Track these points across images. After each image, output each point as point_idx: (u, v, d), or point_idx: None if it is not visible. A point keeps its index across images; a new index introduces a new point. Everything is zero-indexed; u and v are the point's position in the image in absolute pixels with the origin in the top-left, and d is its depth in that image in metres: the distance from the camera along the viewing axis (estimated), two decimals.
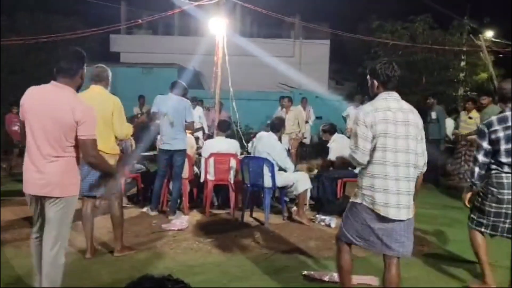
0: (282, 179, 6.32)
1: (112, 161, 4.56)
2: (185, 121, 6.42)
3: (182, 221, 6.09)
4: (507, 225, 3.93)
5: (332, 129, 7.55)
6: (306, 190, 6.44)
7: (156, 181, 6.62)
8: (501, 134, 3.86)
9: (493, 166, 3.94)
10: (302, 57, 22.59)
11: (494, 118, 3.95)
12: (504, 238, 4.03)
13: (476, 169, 3.95)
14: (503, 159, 3.87)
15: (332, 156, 7.21)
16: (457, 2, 17.18)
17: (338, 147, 7.19)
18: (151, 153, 7.50)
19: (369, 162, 3.22)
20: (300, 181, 6.34)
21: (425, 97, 16.64)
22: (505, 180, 3.89)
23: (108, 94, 4.73)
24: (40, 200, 3.33)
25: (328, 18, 21.78)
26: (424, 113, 9.76)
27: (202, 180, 6.94)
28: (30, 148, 3.27)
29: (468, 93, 16.84)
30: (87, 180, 4.52)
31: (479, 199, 4.06)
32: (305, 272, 4.40)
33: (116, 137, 4.70)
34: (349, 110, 11.81)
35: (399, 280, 3.35)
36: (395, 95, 3.31)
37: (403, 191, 3.18)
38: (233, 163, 6.72)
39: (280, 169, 6.39)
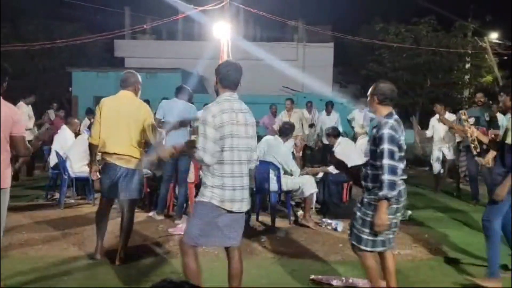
0: (288, 183, 6.31)
1: (140, 166, 4.65)
2: (190, 126, 6.42)
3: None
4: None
5: (336, 133, 7.54)
6: (312, 194, 6.42)
7: (162, 185, 6.61)
8: (402, 141, 3.55)
9: None
10: (306, 60, 22.61)
11: (394, 122, 3.55)
12: None
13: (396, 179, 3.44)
14: (402, 165, 3.57)
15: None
16: (461, 3, 17.17)
17: (343, 150, 7.18)
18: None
19: (217, 162, 3.31)
20: (306, 185, 6.33)
21: (429, 100, 16.67)
22: (402, 187, 3.54)
23: (138, 101, 4.77)
24: None
25: (331, 21, 21.82)
26: (429, 116, 9.77)
27: None
28: None
29: (473, 95, 16.79)
30: (118, 185, 4.58)
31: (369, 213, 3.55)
32: (312, 277, 4.38)
33: (146, 142, 4.75)
34: (354, 113, 11.80)
35: (242, 267, 3.57)
36: (235, 95, 3.45)
37: (245, 186, 3.43)
38: None
39: (286, 173, 6.38)
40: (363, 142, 9.43)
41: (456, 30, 16.65)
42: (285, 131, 6.65)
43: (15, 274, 4.37)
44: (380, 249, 3.61)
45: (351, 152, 7.23)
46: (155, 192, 7.09)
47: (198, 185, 7.04)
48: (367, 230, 3.52)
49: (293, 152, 8.00)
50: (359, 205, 3.63)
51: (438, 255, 5.18)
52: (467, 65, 17.24)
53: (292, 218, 6.56)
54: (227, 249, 3.58)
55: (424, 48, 15.75)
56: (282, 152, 6.44)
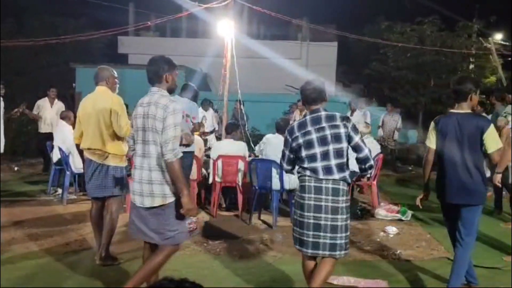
0: (290, 182, 6.31)
1: (116, 161, 4.56)
2: (193, 124, 6.39)
3: (190, 222, 6.09)
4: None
5: None
6: None
7: None
8: (301, 140, 3.51)
9: (299, 171, 3.64)
10: (309, 59, 22.57)
11: (295, 124, 3.61)
12: None
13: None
14: (305, 164, 3.51)
15: None
16: (466, 4, 17.12)
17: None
18: None
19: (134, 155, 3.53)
20: None
21: (432, 100, 16.65)
22: (307, 183, 3.49)
23: (111, 95, 4.64)
24: None
25: (335, 20, 21.78)
26: (433, 116, 9.74)
27: (210, 182, 6.94)
28: None
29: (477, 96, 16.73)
30: (92, 182, 4.54)
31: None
32: None
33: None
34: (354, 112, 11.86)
35: (158, 266, 3.48)
36: (154, 89, 3.44)
37: (145, 180, 3.36)
38: (241, 165, 6.72)
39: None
40: (367, 142, 9.41)
41: (460, 30, 16.61)
42: (281, 127, 6.62)
43: (17, 269, 4.40)
44: (299, 248, 3.55)
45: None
46: None
47: (200, 182, 7.07)
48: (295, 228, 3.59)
49: None
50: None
51: (440, 256, 5.18)
52: (471, 66, 17.19)
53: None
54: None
55: (428, 48, 15.70)
56: None
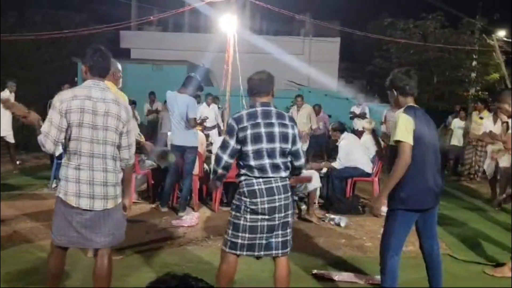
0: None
1: None
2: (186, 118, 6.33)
3: (192, 217, 6.10)
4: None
5: (341, 128, 7.53)
6: (316, 189, 6.43)
7: (168, 177, 6.58)
8: (249, 132, 3.23)
9: (243, 171, 3.31)
10: (312, 54, 22.54)
11: (244, 112, 3.33)
12: None
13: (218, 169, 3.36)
14: (251, 161, 3.25)
15: (341, 154, 7.18)
16: (469, 0, 17.03)
17: (347, 145, 7.18)
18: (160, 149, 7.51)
19: (66, 152, 3.16)
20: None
21: (435, 96, 16.61)
22: (256, 187, 3.26)
23: (114, 90, 4.61)
24: None
25: (338, 15, 21.74)
26: (436, 113, 9.74)
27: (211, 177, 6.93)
28: None
29: (480, 93, 16.71)
30: None
31: (232, 213, 3.39)
32: (315, 271, 4.39)
33: None
34: (353, 109, 11.91)
35: (107, 271, 3.35)
36: (102, 84, 3.20)
37: (97, 181, 3.11)
38: None
39: None
40: (368, 138, 9.40)
41: (463, 27, 16.55)
42: None
43: (20, 263, 4.41)
44: (242, 253, 3.33)
45: (355, 148, 7.23)
46: (159, 184, 7.11)
47: (202, 178, 7.08)
48: (229, 231, 3.37)
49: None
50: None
51: (442, 253, 5.15)
52: (474, 63, 17.14)
53: (296, 212, 6.57)
54: (95, 250, 3.41)
55: (431, 44, 15.66)
56: None
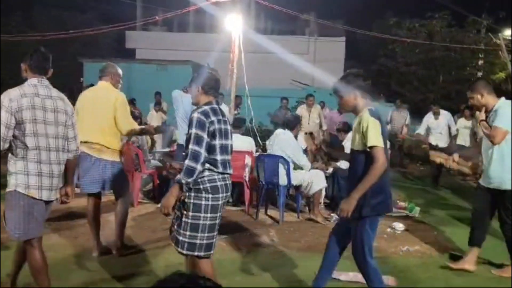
0: (297, 178, 6.30)
1: (114, 156, 4.55)
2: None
3: None
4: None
5: (346, 128, 7.51)
6: (321, 188, 6.41)
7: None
8: (217, 126, 3.19)
9: (206, 166, 3.19)
10: (317, 54, 22.53)
11: (208, 107, 3.23)
12: None
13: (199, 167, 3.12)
14: (218, 156, 3.22)
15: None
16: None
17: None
18: (167, 149, 7.53)
19: (19, 148, 3.22)
20: (315, 179, 6.31)
21: (441, 96, 16.52)
22: (218, 183, 3.23)
23: (115, 91, 4.61)
24: None
25: (343, 15, 21.68)
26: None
27: None
28: None
29: None
30: (87, 177, 4.52)
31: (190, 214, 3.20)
32: None
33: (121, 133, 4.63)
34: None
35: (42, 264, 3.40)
36: (45, 82, 3.37)
37: (55, 174, 3.36)
38: (248, 160, 6.70)
39: (296, 167, 6.36)
40: None
41: (469, 26, 16.47)
42: (290, 123, 6.59)
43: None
44: (205, 253, 3.25)
45: None
46: (165, 184, 7.11)
47: None
48: (186, 233, 3.21)
49: (305, 148, 7.97)
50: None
51: (447, 252, 5.14)
52: (480, 62, 17.06)
53: (301, 211, 6.56)
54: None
55: (437, 43, 15.60)
56: (292, 146, 6.41)
